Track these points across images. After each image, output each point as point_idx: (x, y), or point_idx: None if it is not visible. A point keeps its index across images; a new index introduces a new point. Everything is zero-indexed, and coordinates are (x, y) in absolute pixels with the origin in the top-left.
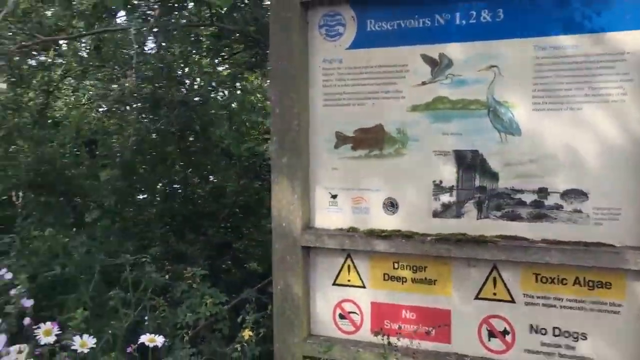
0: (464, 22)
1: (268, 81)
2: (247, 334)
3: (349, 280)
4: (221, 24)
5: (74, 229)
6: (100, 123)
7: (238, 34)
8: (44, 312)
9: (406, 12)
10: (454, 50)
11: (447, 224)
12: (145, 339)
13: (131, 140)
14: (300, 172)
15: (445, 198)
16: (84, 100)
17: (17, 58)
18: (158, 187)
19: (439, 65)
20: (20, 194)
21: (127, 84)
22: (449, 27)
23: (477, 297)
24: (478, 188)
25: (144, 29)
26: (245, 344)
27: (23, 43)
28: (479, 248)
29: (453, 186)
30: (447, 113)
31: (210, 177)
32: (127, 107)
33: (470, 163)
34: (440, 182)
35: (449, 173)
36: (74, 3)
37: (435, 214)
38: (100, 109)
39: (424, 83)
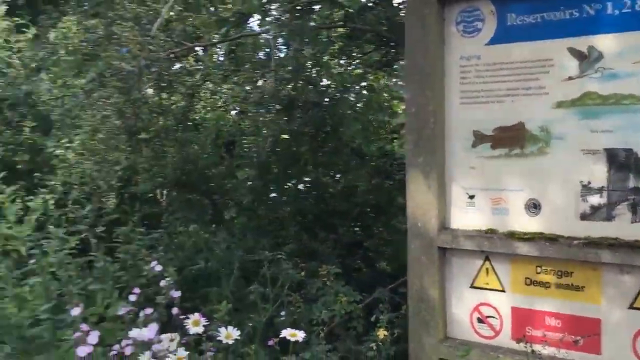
0: (616, 11)
1: (394, 80)
2: (382, 333)
3: (487, 284)
4: (353, 25)
5: (213, 226)
6: (237, 125)
7: (370, 34)
8: (186, 303)
9: (551, 3)
10: (605, 42)
11: (596, 227)
12: (286, 333)
13: (269, 141)
14: (435, 172)
15: (595, 200)
16: (220, 102)
17: (160, 64)
18: (290, 186)
19: (587, 59)
20: (164, 192)
21: (267, 86)
22: (599, 17)
23: (631, 307)
24: (632, 189)
25: (281, 32)
26: (380, 343)
27: (171, 50)
28: (634, 254)
29: (603, 187)
30: (597, 109)
31: (338, 176)
32: (262, 109)
33: (623, 162)
34: (589, 182)
35: (598, 173)
36: (212, 9)
37: (583, 217)
38: (233, 111)
39: (570, 78)
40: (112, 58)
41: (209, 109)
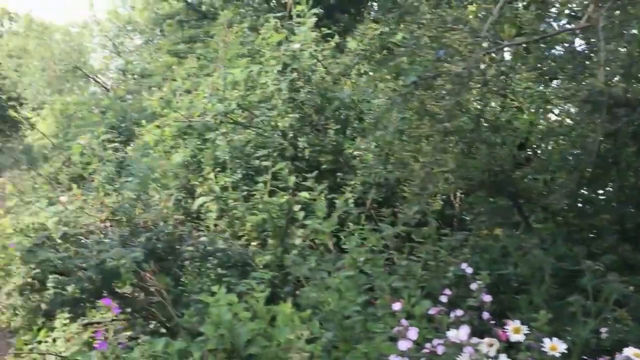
0: None
1: None
2: None
3: None
4: None
5: (514, 230)
6: (540, 125)
7: None
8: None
9: None
10: None
11: None
12: (630, 352)
13: (591, 142)
14: None
15: None
16: (517, 101)
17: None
18: (606, 191)
19: None
20: (458, 193)
21: (595, 83)
22: None
23: None
24: None
25: (611, 22)
26: None
27: (488, 50)
28: None
29: None
30: None
31: None
32: (587, 109)
33: None
34: None
35: None
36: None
37: None
38: (531, 108)
39: None
40: (429, 62)
41: (503, 108)
